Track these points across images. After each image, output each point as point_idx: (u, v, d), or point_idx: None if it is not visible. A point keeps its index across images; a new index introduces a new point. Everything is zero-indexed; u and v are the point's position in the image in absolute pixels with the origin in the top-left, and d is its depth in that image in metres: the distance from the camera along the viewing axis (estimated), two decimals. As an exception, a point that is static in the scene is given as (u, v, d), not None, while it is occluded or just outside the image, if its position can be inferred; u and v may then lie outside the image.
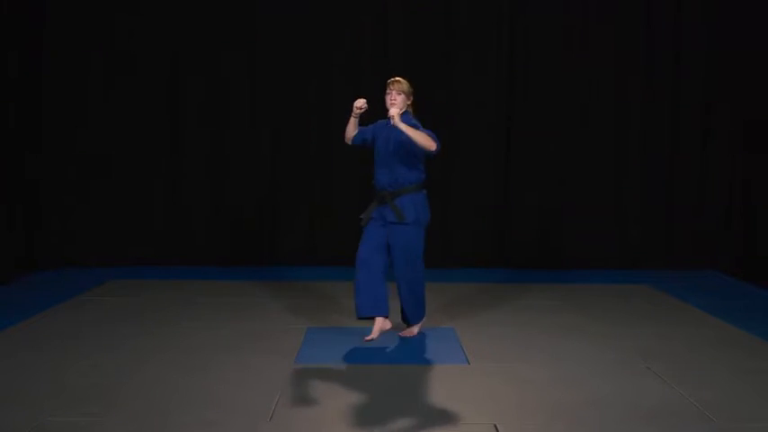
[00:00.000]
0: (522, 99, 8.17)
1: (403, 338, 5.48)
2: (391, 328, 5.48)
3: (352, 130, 5.37)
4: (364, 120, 5.40)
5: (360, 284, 5.27)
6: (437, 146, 5.10)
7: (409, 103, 5.26)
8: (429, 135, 5.08)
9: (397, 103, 5.16)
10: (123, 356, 4.99)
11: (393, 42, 8.06)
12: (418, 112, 5.45)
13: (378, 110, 5.43)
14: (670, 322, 6.03)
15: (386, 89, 5.25)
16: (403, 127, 4.99)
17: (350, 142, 5.45)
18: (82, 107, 7.94)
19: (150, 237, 8.11)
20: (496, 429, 3.87)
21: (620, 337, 5.58)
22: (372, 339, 5.34)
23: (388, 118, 5.14)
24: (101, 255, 7.99)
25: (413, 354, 5.18)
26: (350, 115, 5.30)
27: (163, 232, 8.13)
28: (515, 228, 8.23)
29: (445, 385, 4.54)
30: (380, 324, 5.35)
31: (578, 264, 8.16)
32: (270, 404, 4.17)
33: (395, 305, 5.46)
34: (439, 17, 8.08)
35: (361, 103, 5.21)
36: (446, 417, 4.05)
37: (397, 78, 5.26)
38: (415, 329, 5.56)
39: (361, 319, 5.35)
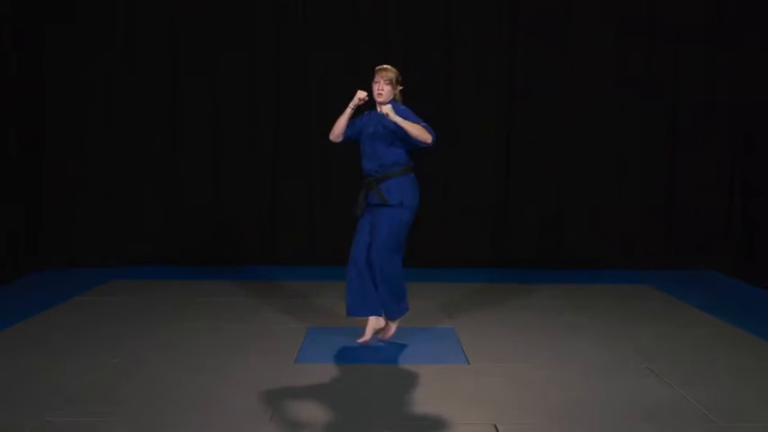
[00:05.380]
0: (522, 99, 8.16)
1: (402, 337, 5.39)
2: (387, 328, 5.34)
3: (343, 124, 5.15)
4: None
5: (348, 283, 5.16)
6: (432, 137, 4.94)
7: (396, 91, 5.13)
8: (424, 127, 4.93)
9: (384, 93, 5.04)
10: (123, 356, 4.99)
11: (393, 40, 8.05)
12: (419, 111, 5.43)
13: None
14: (670, 322, 6.03)
15: (373, 77, 5.11)
16: (398, 120, 4.87)
17: (338, 139, 5.22)
18: (83, 106, 7.93)
19: (150, 237, 8.10)
20: (496, 429, 3.88)
21: (620, 337, 5.58)
22: (366, 341, 5.23)
23: (374, 110, 5.11)
24: (101, 255, 7.99)
25: (413, 354, 5.17)
26: (345, 106, 5.11)
27: (163, 232, 8.13)
28: (515, 228, 8.22)
29: (445, 385, 4.54)
30: (373, 324, 5.23)
31: (578, 264, 8.15)
32: (270, 404, 4.17)
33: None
34: (439, 16, 8.08)
35: (364, 94, 5.06)
36: (446, 417, 4.05)
37: (385, 66, 5.14)
38: (392, 328, 5.27)
39: (351, 316, 5.24)
